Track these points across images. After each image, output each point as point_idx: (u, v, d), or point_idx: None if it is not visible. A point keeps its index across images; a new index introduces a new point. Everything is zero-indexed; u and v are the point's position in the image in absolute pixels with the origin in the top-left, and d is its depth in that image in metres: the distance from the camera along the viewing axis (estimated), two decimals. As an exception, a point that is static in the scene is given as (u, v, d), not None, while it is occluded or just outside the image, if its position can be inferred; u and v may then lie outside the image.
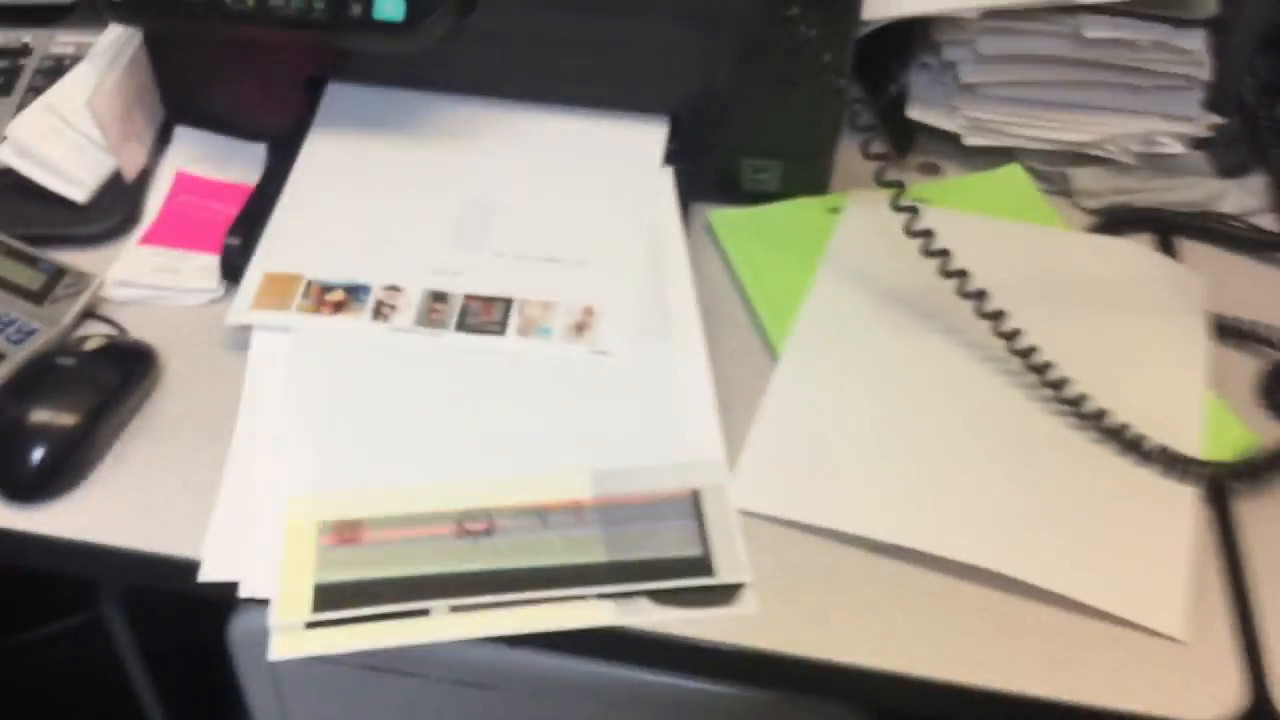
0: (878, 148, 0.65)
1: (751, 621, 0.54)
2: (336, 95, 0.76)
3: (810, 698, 0.60)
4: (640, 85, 0.73)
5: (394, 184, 0.72)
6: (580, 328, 0.64)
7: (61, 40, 0.84)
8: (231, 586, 0.55)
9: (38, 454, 0.58)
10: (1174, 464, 0.59)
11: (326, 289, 0.66)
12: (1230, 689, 0.52)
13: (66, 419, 0.58)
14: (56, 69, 0.81)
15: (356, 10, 0.67)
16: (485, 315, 0.65)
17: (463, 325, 0.64)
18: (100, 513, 0.57)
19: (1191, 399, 0.64)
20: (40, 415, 0.59)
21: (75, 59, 0.81)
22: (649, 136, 0.75)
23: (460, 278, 0.67)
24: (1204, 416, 0.63)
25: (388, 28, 0.67)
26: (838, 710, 0.62)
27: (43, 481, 0.58)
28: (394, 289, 0.66)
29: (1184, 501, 0.59)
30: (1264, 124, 0.81)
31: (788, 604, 0.55)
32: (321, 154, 0.73)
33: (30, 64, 0.82)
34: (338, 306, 0.65)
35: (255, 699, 0.83)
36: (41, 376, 0.60)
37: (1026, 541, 0.57)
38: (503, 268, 0.67)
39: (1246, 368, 0.66)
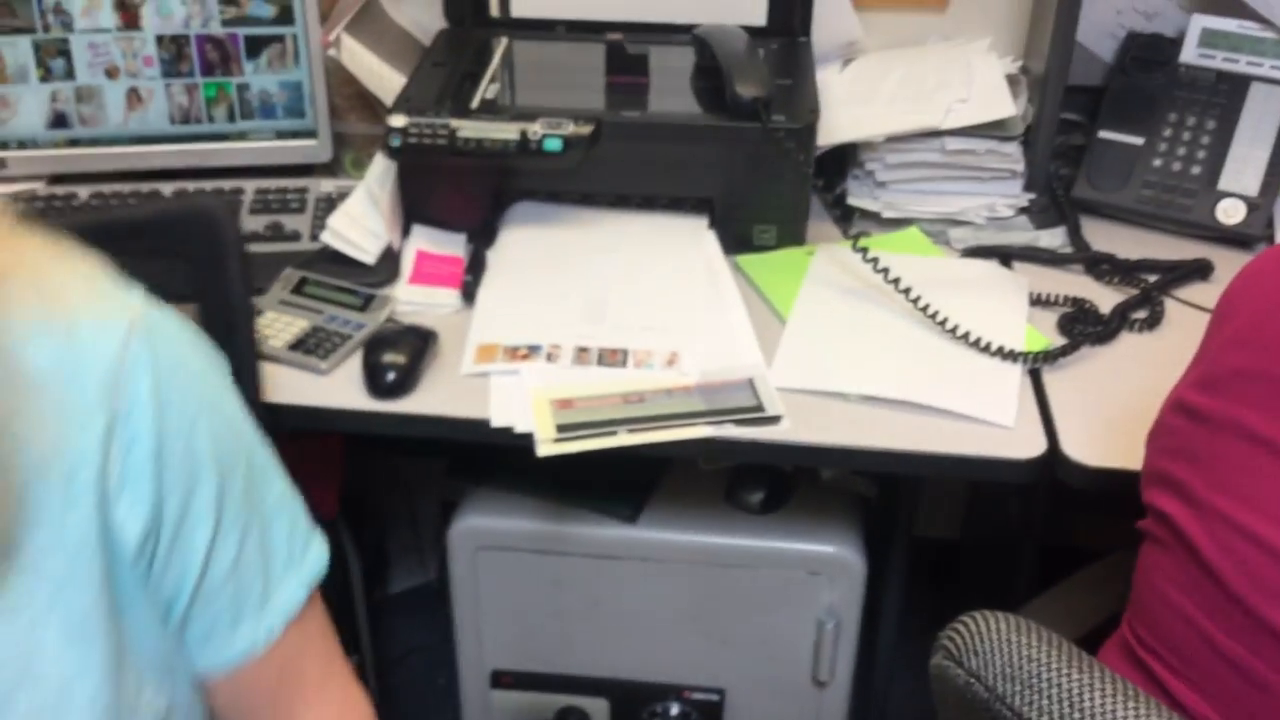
0: (831, 220, 1.18)
1: (785, 432, 1.02)
2: (513, 210, 1.28)
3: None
4: (693, 184, 1.25)
5: (550, 278, 1.19)
6: (670, 362, 1.10)
7: (323, 185, 1.36)
8: (509, 429, 1.02)
9: (390, 375, 1.05)
10: (1008, 354, 1.09)
11: (515, 349, 1.11)
12: (1037, 446, 1.01)
13: (403, 358, 1.07)
14: (326, 199, 1.32)
15: (533, 147, 1.19)
16: (612, 359, 1.11)
17: (599, 363, 1.10)
18: (428, 402, 1.05)
19: (1018, 329, 1.14)
20: (389, 357, 1.07)
21: (334, 193, 1.32)
22: (698, 217, 1.27)
23: (595, 339, 1.12)
24: (1025, 335, 1.13)
25: (551, 155, 1.19)
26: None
27: (394, 389, 1.05)
28: (556, 346, 1.11)
29: (1014, 370, 1.08)
30: (1060, 199, 1.35)
31: (803, 424, 1.03)
32: (501, 263, 1.21)
33: (310, 197, 1.33)
34: (524, 357, 1.10)
35: (458, 577, 1.27)
36: (383, 339, 1.09)
37: (927, 389, 1.05)
38: (620, 334, 1.12)
39: (1048, 316, 1.18)
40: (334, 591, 1.36)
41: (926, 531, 1.70)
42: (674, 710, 1.28)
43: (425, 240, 1.26)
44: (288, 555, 0.73)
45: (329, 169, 1.40)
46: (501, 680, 1.32)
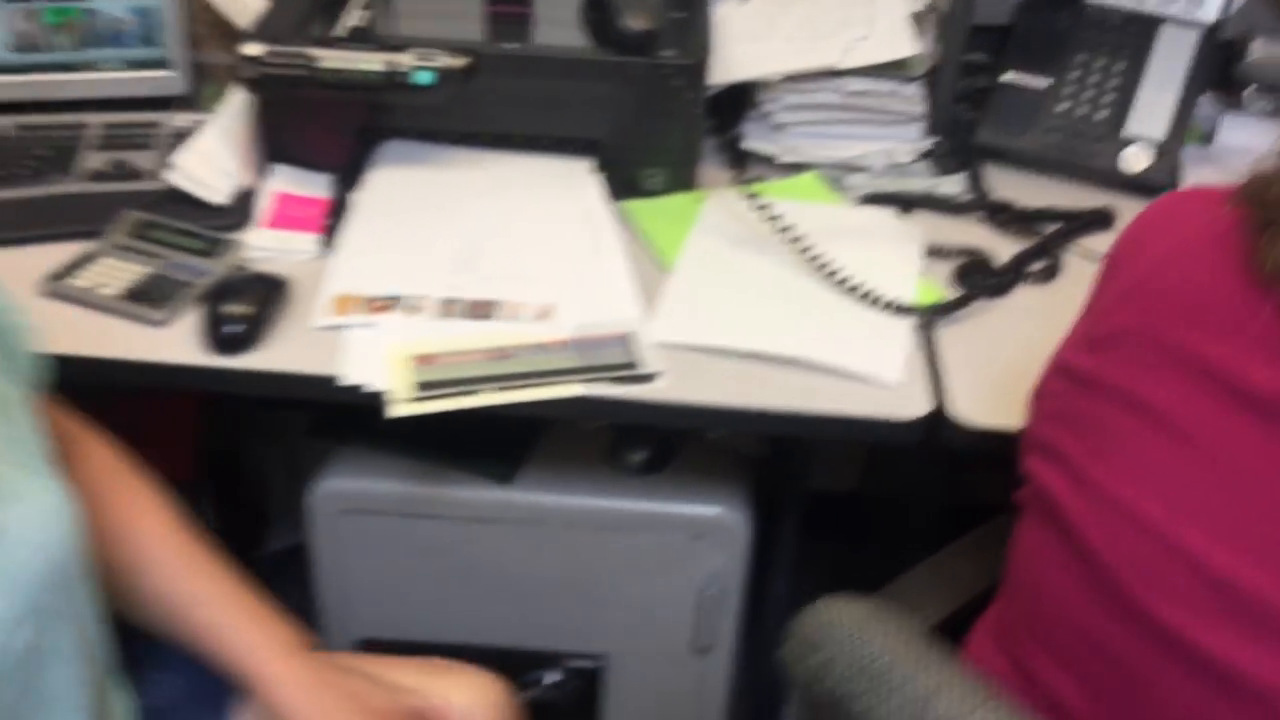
0: (724, 165, 1.11)
1: (661, 390, 0.95)
2: (383, 149, 1.19)
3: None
4: (577, 123, 1.17)
5: (418, 223, 1.10)
6: (541, 315, 1.02)
7: (178, 119, 1.25)
8: (357, 388, 0.94)
9: (231, 327, 0.97)
10: (899, 309, 1.04)
11: (374, 300, 1.03)
12: (922, 405, 0.95)
13: (248, 309, 0.98)
14: (178, 134, 1.22)
15: (401, 80, 1.10)
16: (480, 312, 1.03)
17: (467, 316, 1.01)
18: (273, 358, 0.96)
19: (910, 280, 1.08)
20: (232, 307, 0.98)
21: (189, 128, 1.21)
22: (583, 159, 1.19)
23: (463, 290, 1.04)
24: (916, 288, 1.07)
25: (422, 89, 1.10)
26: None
27: (236, 343, 0.97)
28: (421, 296, 1.03)
29: (903, 325, 1.03)
30: (963, 144, 1.29)
31: (680, 382, 0.96)
32: (367, 206, 1.12)
33: (160, 132, 1.23)
34: (382, 309, 1.01)
35: (320, 542, 1.20)
36: (228, 288, 1.00)
37: (811, 344, 0.99)
38: (491, 284, 1.04)
39: (944, 267, 1.12)
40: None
41: (826, 485, 1.65)
42: (553, 678, 1.23)
43: (285, 181, 1.17)
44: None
45: (189, 102, 1.30)
46: (372, 649, 1.26)
